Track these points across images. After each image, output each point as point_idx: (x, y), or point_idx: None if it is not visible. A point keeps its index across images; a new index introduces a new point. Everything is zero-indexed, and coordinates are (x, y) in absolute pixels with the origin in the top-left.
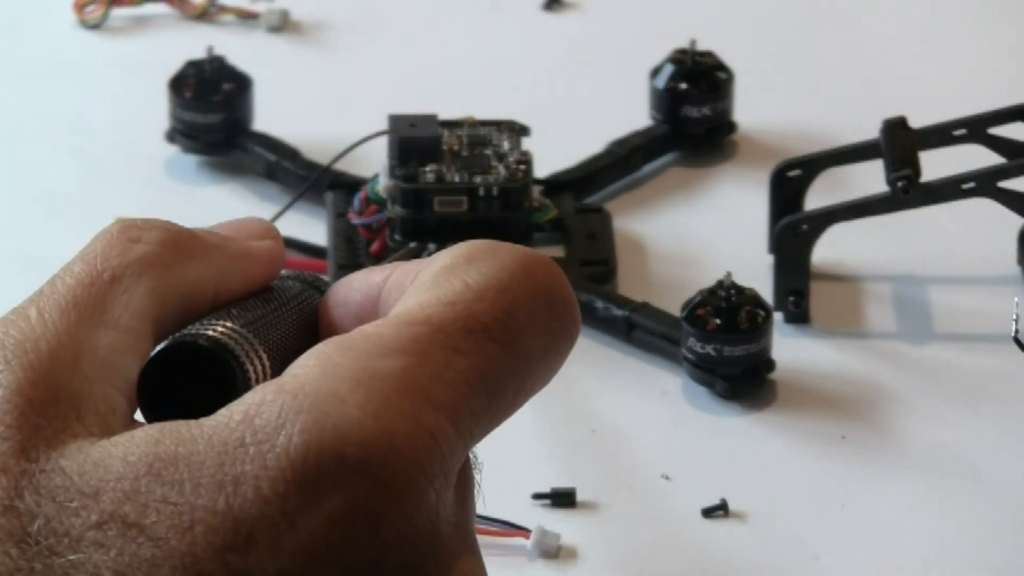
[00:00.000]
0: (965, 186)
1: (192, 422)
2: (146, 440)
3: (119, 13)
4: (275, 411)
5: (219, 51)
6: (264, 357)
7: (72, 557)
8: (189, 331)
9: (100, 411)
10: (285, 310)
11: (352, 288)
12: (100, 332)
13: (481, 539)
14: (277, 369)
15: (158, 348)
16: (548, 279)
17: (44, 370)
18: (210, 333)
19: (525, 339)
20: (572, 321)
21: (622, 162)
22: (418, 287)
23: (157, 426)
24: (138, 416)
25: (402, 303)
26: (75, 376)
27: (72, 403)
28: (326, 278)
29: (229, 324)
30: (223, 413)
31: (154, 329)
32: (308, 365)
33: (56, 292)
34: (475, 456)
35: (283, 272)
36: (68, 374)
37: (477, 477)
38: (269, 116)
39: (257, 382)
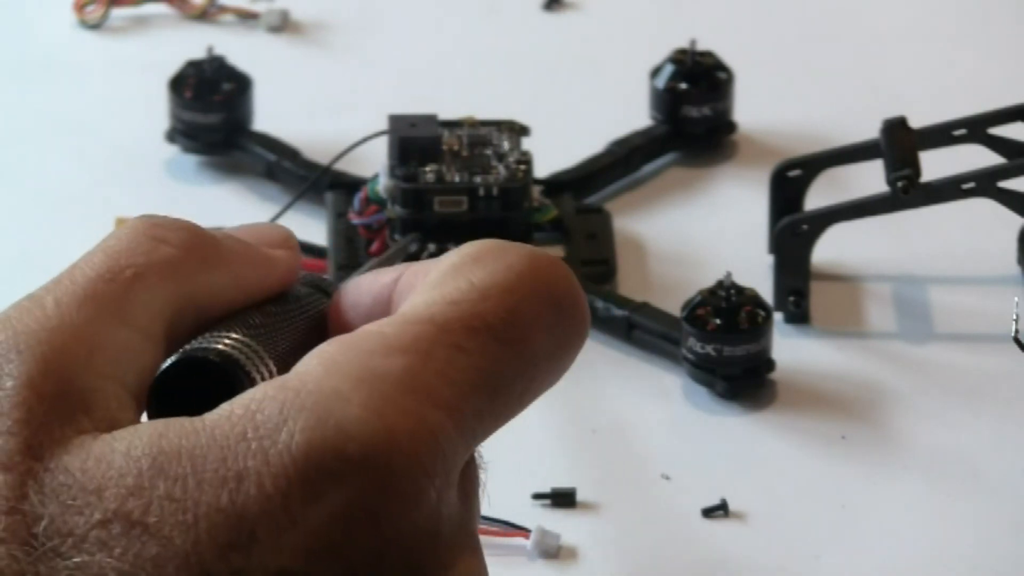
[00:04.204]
0: (965, 186)
1: (196, 418)
2: (150, 434)
3: (119, 13)
4: (277, 407)
5: (219, 51)
6: (272, 366)
7: (77, 559)
8: (199, 344)
9: (110, 407)
10: (294, 316)
11: (362, 291)
12: (116, 329)
13: (481, 539)
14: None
15: (169, 362)
16: (556, 279)
17: (57, 363)
18: (219, 347)
19: (530, 338)
20: (580, 321)
21: (622, 162)
22: (424, 287)
23: (162, 421)
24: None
25: (408, 302)
26: (87, 371)
27: (81, 398)
28: (329, 279)
29: (238, 336)
30: (224, 407)
31: (167, 333)
32: (311, 364)
33: (75, 283)
34: (481, 456)
35: None
36: (80, 368)
37: (483, 477)
38: (269, 116)
39: None
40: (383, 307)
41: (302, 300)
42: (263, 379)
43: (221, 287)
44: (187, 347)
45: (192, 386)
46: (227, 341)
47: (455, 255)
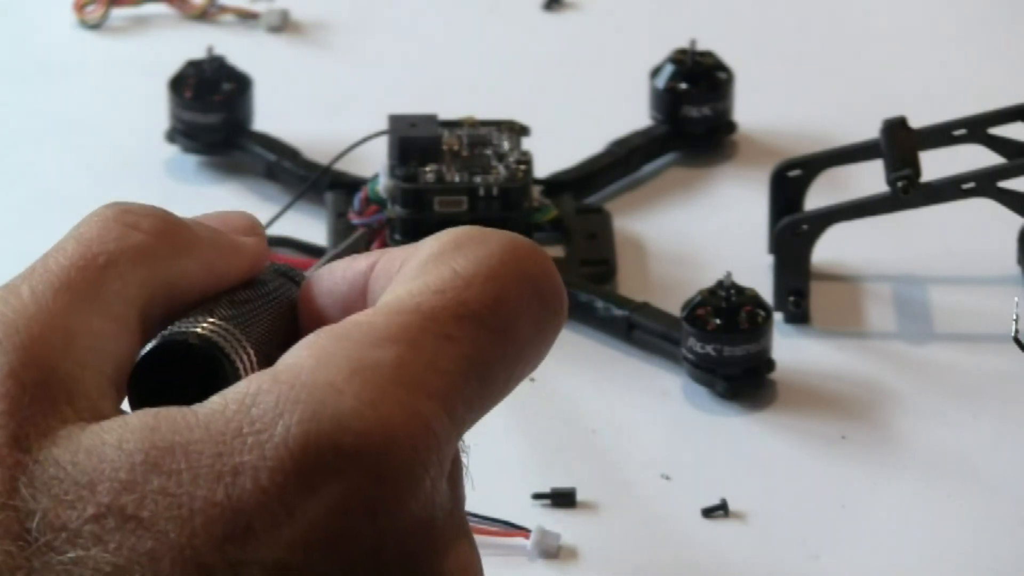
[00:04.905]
0: (965, 186)
1: (186, 409)
2: (141, 427)
3: (119, 13)
4: (272, 401)
5: (219, 51)
6: (251, 351)
7: (72, 554)
8: (178, 328)
9: (91, 396)
10: (266, 303)
11: (337, 277)
12: (92, 317)
13: (481, 539)
14: (261, 361)
15: (148, 347)
16: (535, 265)
17: (36, 351)
18: (198, 331)
19: (514, 325)
20: (560, 305)
21: (622, 162)
22: (406, 275)
23: (151, 412)
24: (125, 407)
25: (391, 291)
26: (66, 359)
27: (63, 387)
28: (303, 270)
29: (215, 320)
30: (217, 401)
31: (141, 319)
32: (301, 355)
33: (49, 271)
34: (463, 441)
35: None
36: (59, 356)
37: (465, 460)
38: (269, 116)
39: (245, 374)
40: (359, 293)
41: (271, 287)
42: (243, 363)
43: (192, 273)
44: (164, 332)
45: (171, 371)
46: (205, 325)
47: (434, 242)
